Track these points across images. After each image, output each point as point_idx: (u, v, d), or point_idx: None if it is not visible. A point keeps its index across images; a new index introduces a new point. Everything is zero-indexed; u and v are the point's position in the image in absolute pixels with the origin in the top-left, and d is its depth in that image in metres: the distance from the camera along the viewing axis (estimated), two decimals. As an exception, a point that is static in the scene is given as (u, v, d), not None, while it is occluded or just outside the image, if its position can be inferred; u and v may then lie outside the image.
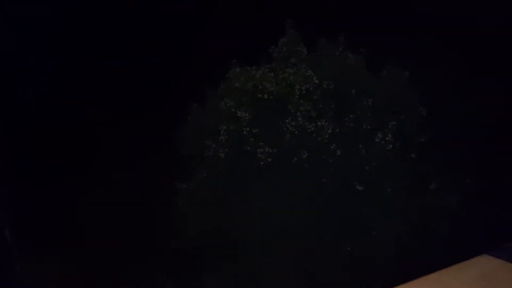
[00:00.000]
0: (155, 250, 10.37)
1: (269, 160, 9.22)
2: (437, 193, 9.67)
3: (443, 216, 9.62)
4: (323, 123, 9.33)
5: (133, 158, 11.08)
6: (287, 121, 9.36)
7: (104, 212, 10.70)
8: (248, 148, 9.37)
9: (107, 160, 11.06)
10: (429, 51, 10.90)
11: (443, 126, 10.03)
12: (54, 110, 11.23)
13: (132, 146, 11.09)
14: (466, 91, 10.67)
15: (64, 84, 11.29)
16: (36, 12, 11.31)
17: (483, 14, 10.80)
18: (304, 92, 9.49)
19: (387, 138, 9.47)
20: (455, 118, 10.52)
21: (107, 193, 10.54)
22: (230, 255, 9.72)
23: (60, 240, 10.54)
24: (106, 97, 11.29)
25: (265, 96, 9.52)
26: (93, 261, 10.38)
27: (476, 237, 9.00)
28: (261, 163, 9.24)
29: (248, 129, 9.40)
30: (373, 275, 9.29)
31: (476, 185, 9.76)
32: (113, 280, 10.22)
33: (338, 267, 9.36)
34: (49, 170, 11.08)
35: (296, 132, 9.28)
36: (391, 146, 9.47)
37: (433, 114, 9.97)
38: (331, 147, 9.30)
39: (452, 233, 9.46)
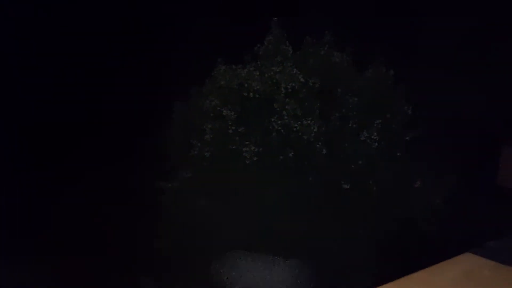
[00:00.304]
0: (139, 250, 10.31)
1: (255, 159, 9.18)
2: (421, 192, 9.72)
3: (427, 215, 9.66)
4: (309, 121, 9.29)
5: (116, 157, 11.01)
6: (273, 119, 9.32)
7: (87, 211, 10.63)
8: (234, 147, 9.32)
9: (89, 159, 11.00)
10: (415, 50, 10.95)
11: (428, 125, 10.06)
12: (39, 110, 11.13)
13: (115, 145, 11.02)
14: (451, 90, 10.73)
15: (48, 84, 11.19)
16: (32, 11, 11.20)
17: (470, 12, 10.86)
18: (290, 90, 9.44)
19: (372, 137, 9.47)
20: (441, 117, 10.58)
21: (89, 193, 10.48)
22: (215, 255, 9.68)
23: (42, 240, 10.45)
24: (88, 96, 11.21)
25: (251, 94, 9.46)
26: (75, 261, 10.31)
27: (459, 236, 9.05)
28: (247, 161, 9.21)
29: (233, 127, 9.34)
30: (357, 274, 9.31)
31: (460, 183, 9.82)
32: (96, 280, 10.15)
33: (323, 266, 9.36)
34: (29, 170, 10.99)
35: (282, 130, 9.25)
36: (376, 144, 9.48)
37: (419, 113, 10.01)
38: (317, 145, 9.28)
39: (435, 231, 9.51)
